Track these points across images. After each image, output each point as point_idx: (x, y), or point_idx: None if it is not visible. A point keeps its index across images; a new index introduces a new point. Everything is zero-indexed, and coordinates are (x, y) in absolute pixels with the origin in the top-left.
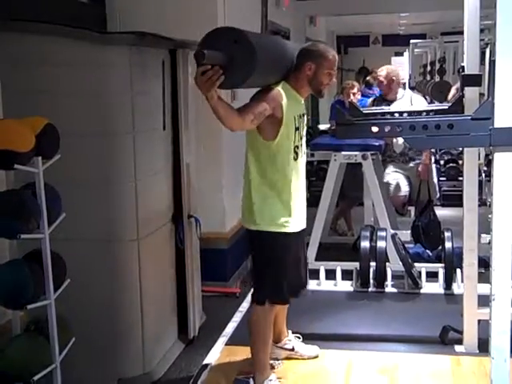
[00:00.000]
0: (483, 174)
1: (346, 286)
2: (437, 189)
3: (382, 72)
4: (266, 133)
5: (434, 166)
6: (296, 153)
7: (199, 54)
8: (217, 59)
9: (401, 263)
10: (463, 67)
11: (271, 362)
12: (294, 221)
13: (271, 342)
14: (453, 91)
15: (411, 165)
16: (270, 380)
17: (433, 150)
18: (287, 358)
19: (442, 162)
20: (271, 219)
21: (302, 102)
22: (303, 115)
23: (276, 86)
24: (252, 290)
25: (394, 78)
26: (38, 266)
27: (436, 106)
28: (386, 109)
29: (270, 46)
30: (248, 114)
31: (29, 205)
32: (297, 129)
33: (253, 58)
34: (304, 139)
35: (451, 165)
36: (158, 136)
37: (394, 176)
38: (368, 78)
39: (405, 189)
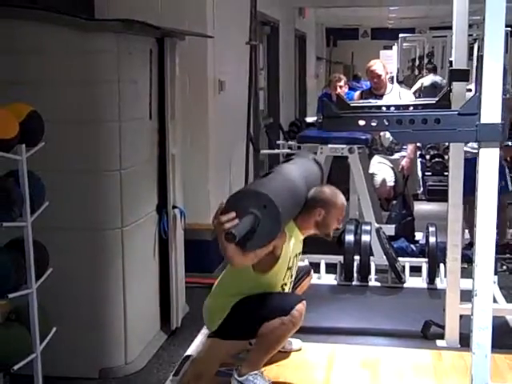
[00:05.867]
0: None
1: (330, 280)
2: (420, 183)
3: (378, 66)
4: (259, 266)
5: (419, 160)
6: (283, 289)
7: (229, 235)
8: (245, 232)
9: (385, 257)
10: (451, 62)
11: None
12: None
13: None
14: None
15: (396, 157)
16: (256, 374)
17: (419, 145)
18: None
19: (427, 157)
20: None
21: (302, 239)
22: (299, 254)
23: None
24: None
25: (387, 71)
26: (20, 254)
27: (423, 100)
28: (372, 102)
29: (291, 197)
30: (251, 253)
31: (11, 193)
32: (289, 268)
33: (278, 225)
34: (293, 277)
35: (437, 159)
36: (144, 125)
37: (379, 167)
38: (357, 72)
39: (390, 180)
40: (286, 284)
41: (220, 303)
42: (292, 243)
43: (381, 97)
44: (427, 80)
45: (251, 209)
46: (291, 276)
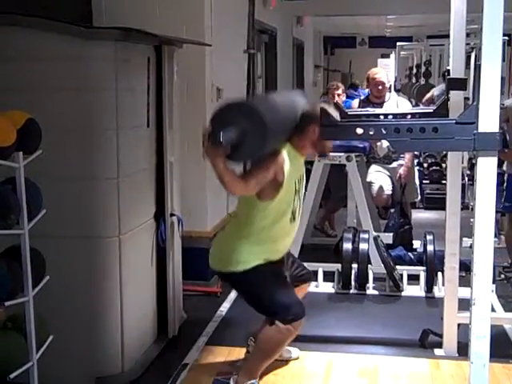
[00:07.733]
0: (466, 178)
1: (328, 288)
2: (418, 191)
3: (382, 73)
4: (265, 194)
5: (416, 168)
6: (293, 215)
7: (215, 141)
8: (232, 139)
9: (383, 265)
10: (448, 71)
11: None
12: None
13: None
14: (429, 94)
15: (393, 165)
16: (252, 383)
17: (416, 153)
18: None
19: (425, 165)
20: (253, 259)
21: (302, 161)
22: (302, 176)
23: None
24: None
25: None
26: (17, 262)
27: (421, 109)
28: (370, 111)
29: (278, 113)
30: (251, 180)
31: (8, 200)
32: (297, 192)
33: (265, 132)
34: (302, 200)
35: (435, 168)
36: (141, 133)
37: (377, 176)
38: (354, 81)
39: (388, 188)
40: (296, 209)
41: (234, 236)
42: (293, 165)
43: (378, 105)
44: (437, 89)
45: (235, 120)
46: (300, 200)
